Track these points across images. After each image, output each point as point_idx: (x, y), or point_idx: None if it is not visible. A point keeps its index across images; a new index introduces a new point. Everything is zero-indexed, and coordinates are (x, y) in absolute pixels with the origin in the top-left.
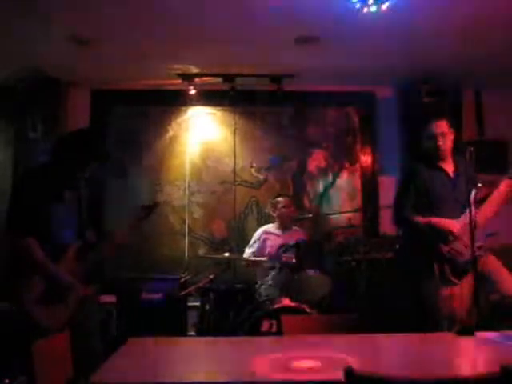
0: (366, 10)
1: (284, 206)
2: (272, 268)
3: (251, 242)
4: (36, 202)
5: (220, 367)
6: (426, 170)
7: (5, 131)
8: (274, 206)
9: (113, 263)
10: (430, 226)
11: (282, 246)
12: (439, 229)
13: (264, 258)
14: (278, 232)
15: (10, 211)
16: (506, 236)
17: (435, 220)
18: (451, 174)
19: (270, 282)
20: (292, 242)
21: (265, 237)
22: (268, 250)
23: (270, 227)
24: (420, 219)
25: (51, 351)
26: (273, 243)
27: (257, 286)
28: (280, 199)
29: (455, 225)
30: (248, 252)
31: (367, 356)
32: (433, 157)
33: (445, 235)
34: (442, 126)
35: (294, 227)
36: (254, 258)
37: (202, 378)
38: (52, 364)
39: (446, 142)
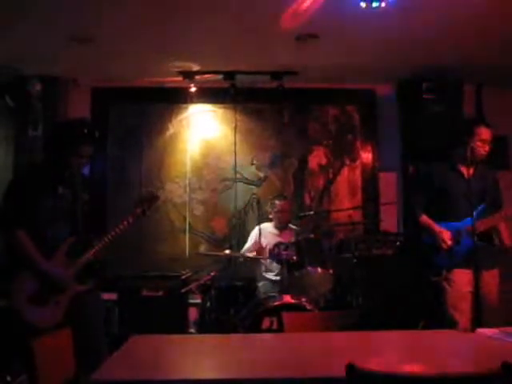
0: (365, 6)
1: (279, 211)
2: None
3: (248, 240)
4: (27, 196)
5: (222, 364)
6: (445, 171)
7: (5, 129)
8: (272, 206)
9: (113, 261)
10: (429, 231)
11: (277, 244)
12: (435, 236)
13: (262, 256)
14: (275, 231)
15: (2, 206)
16: None
17: (432, 225)
18: (467, 176)
19: (272, 280)
20: (288, 240)
21: (260, 234)
22: (264, 247)
23: (267, 226)
24: (423, 219)
25: (53, 348)
26: (269, 241)
27: (257, 283)
28: (277, 202)
29: (449, 237)
30: (243, 249)
31: (368, 353)
32: (462, 159)
33: (438, 243)
34: (486, 134)
35: (293, 226)
36: (254, 256)
37: (204, 375)
38: (53, 361)
39: (485, 149)
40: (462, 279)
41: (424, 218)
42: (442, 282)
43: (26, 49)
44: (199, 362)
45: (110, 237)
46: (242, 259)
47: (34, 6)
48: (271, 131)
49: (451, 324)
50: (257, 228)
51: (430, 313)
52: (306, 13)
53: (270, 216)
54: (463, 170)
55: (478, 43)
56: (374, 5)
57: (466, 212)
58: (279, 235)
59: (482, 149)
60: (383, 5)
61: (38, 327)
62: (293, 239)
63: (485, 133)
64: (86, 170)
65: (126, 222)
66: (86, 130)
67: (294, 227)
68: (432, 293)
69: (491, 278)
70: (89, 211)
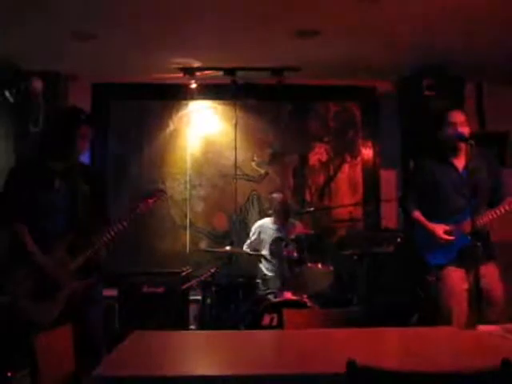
0: None
1: (278, 203)
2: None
3: (250, 236)
4: (23, 190)
5: (223, 361)
6: (436, 164)
7: (6, 125)
8: (270, 202)
9: (114, 257)
10: (423, 228)
11: (275, 239)
12: (428, 233)
13: (263, 252)
14: (274, 226)
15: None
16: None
17: (425, 222)
18: (460, 169)
19: (271, 276)
20: (288, 235)
21: (260, 230)
22: (263, 243)
23: (267, 221)
24: (416, 215)
25: (54, 345)
26: (268, 237)
27: (258, 279)
28: (275, 196)
29: (441, 231)
30: (244, 246)
31: (368, 349)
32: (448, 149)
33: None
34: (461, 116)
35: (295, 221)
36: (254, 252)
37: (204, 372)
38: (55, 357)
39: (465, 131)
40: (455, 277)
41: (416, 215)
42: (436, 280)
43: (27, 45)
44: (199, 359)
45: (110, 235)
46: (245, 255)
47: (36, 2)
48: (272, 128)
49: (447, 322)
50: (257, 223)
51: (424, 309)
52: None
53: (270, 211)
54: (455, 161)
55: (479, 40)
56: None
57: (457, 205)
58: (278, 231)
59: (463, 131)
60: None
61: (35, 323)
62: (293, 235)
63: (456, 115)
64: (85, 159)
65: (128, 219)
66: (83, 116)
67: (294, 222)
68: (428, 290)
69: (489, 272)
70: (90, 203)
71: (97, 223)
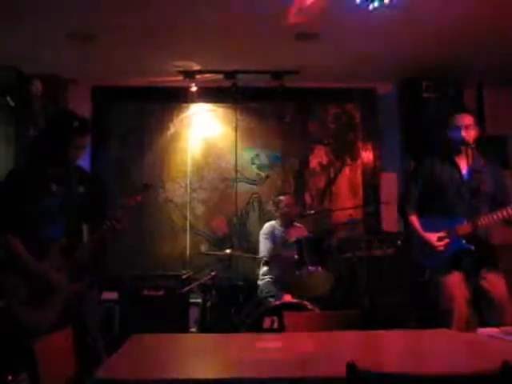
0: (370, 6)
1: (286, 206)
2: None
3: (263, 237)
4: (20, 193)
5: (223, 364)
6: (439, 163)
7: (6, 129)
8: (276, 204)
9: (114, 260)
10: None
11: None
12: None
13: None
14: (282, 229)
15: None
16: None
17: (419, 231)
18: (463, 170)
19: (271, 279)
20: (290, 238)
21: (273, 234)
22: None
23: (274, 224)
24: (412, 220)
25: (54, 349)
26: (277, 240)
27: (258, 282)
28: (282, 198)
29: (434, 239)
30: (264, 252)
31: (369, 352)
32: (451, 150)
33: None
34: (467, 119)
35: (297, 224)
36: (253, 255)
37: (205, 375)
38: (55, 361)
39: (470, 135)
40: (455, 281)
41: (412, 219)
42: (433, 284)
43: (27, 48)
44: (200, 362)
45: (101, 232)
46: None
47: (35, 5)
48: (272, 130)
49: (447, 325)
50: (266, 227)
51: (423, 311)
52: (310, 8)
53: (276, 213)
54: (458, 161)
55: (479, 42)
56: (376, 4)
57: (456, 206)
58: (285, 233)
59: (467, 135)
60: (386, 0)
61: (34, 329)
62: (293, 238)
63: (463, 118)
64: (86, 162)
65: (117, 216)
66: (75, 123)
67: (299, 225)
68: (428, 293)
69: (495, 277)
70: (88, 205)
71: (91, 225)
